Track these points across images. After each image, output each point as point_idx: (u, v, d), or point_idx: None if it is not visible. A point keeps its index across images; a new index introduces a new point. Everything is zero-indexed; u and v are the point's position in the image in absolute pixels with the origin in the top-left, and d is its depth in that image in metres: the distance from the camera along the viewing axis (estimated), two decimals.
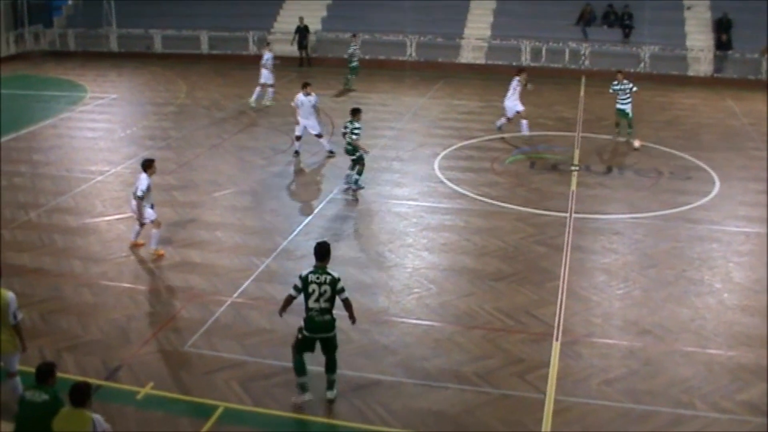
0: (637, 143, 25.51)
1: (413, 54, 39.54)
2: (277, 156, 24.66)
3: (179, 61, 41.28)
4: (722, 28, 37.54)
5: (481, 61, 39.07)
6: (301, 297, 11.90)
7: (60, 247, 18.14)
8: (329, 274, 11.92)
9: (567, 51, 38.21)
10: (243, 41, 41.74)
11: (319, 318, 11.89)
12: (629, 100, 25.57)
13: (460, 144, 25.53)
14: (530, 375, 12.88)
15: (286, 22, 42.07)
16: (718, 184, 22.07)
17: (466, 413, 11.94)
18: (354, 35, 35.96)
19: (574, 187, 21.79)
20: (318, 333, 11.96)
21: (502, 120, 26.73)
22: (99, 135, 27.31)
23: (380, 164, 23.48)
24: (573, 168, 23.41)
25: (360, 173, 21.08)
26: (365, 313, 14.84)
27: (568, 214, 19.76)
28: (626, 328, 14.39)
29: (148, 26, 43.00)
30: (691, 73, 37.58)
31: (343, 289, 11.94)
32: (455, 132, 27.28)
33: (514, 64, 37.90)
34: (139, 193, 16.88)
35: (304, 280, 11.85)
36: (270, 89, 31.43)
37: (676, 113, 31.19)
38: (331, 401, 12.21)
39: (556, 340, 13.95)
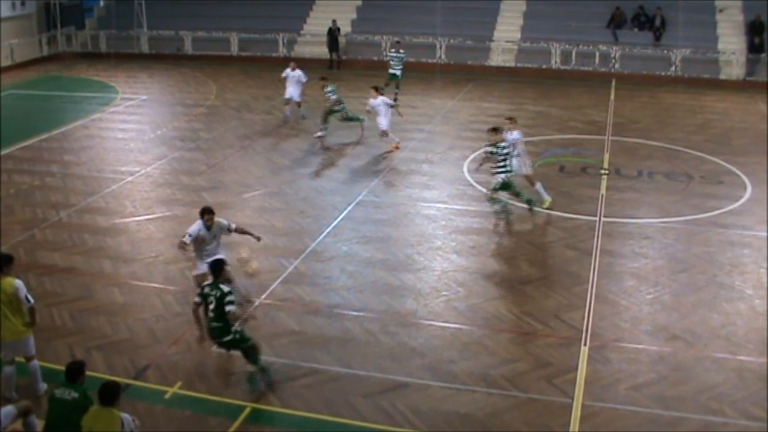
0: None
1: (443, 56, 39.51)
2: (305, 158, 24.71)
3: (209, 63, 41.48)
4: (755, 30, 37.22)
5: (511, 63, 38.99)
6: None
7: (90, 247, 18.26)
8: None
9: (597, 54, 38.01)
10: (273, 43, 41.88)
11: None
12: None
13: None
14: (558, 379, 12.83)
15: (315, 24, 42.19)
16: (749, 188, 21.88)
17: (493, 416, 11.90)
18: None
19: (603, 190, 21.67)
20: None
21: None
22: (129, 136, 27.49)
23: (409, 166, 23.48)
24: (603, 171, 23.29)
25: None
26: (393, 315, 14.88)
27: (597, 218, 19.66)
28: (655, 333, 14.29)
29: (179, 28, 43.22)
30: (722, 76, 37.29)
31: None
32: (485, 135, 26.96)
33: (544, 66, 37.90)
34: None
35: None
36: None
37: (707, 117, 30.94)
38: None
39: (584, 344, 13.88)
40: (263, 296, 15.59)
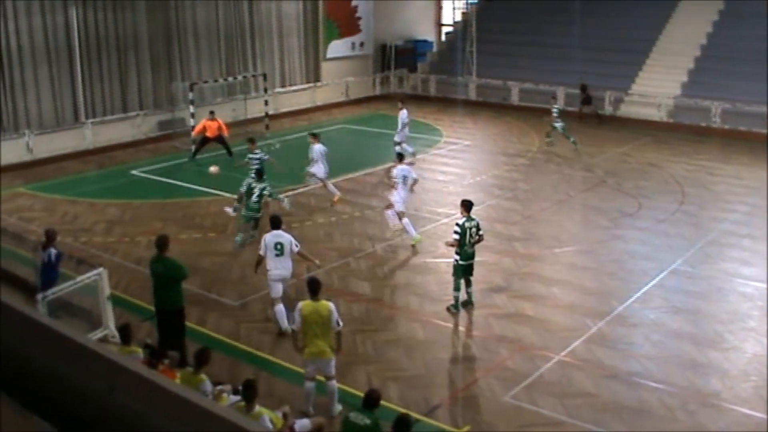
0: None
1: None
2: (622, 219, 24.15)
3: (534, 114, 41.53)
4: None
5: None
6: None
7: (399, 282, 18.90)
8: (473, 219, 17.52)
9: None
10: (599, 100, 41.48)
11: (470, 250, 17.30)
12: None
13: None
14: None
15: (644, 85, 41.39)
16: None
17: None
18: None
19: None
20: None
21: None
22: (449, 179, 28.21)
23: (729, 240, 22.38)
24: None
25: None
26: (694, 393, 14.24)
27: None
28: None
29: (506, 78, 43.89)
30: None
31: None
32: None
33: None
34: None
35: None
36: None
37: None
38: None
39: None
40: (563, 353, 15.44)
